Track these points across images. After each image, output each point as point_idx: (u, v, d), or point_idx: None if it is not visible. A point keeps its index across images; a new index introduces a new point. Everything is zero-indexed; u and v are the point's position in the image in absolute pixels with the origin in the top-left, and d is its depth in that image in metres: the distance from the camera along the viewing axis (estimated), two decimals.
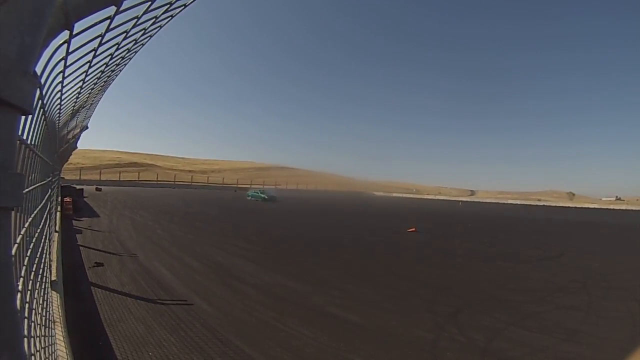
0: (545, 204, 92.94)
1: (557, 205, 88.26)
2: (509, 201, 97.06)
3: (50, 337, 3.39)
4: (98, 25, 2.14)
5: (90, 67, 3.09)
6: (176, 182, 59.72)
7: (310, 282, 8.71)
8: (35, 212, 3.24)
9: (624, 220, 36.29)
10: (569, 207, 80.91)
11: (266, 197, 42.74)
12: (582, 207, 78.16)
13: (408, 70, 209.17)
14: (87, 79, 3.66)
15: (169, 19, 3.67)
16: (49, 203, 5.73)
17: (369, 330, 5.88)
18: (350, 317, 6.37)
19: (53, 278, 5.55)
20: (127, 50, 3.88)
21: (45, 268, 4.25)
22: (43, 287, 3.55)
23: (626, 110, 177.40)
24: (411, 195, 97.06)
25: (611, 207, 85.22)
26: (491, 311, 7.11)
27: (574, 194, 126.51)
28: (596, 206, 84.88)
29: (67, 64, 2.31)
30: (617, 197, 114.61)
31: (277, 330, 5.67)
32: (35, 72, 1.58)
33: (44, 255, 3.86)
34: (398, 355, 5.02)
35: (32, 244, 2.86)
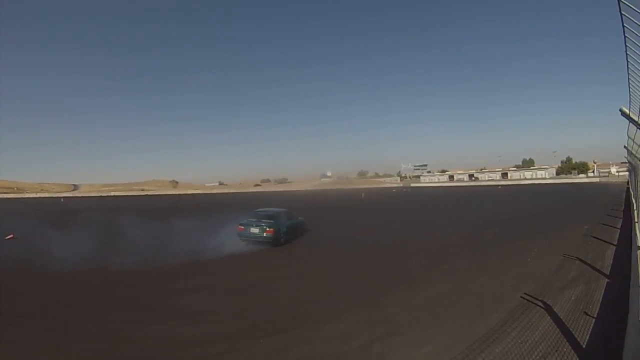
0: (148, 193, 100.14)
1: (162, 193, 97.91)
2: (113, 193, 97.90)
3: None
4: None
5: None
6: None
7: None
8: None
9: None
10: (173, 194, 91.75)
11: None
12: (185, 194, 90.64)
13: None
14: None
15: None
16: None
17: None
18: None
19: None
20: None
21: None
22: None
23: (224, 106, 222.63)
24: (12, 196, 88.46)
25: (215, 191, 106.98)
26: (118, 312, 6.33)
27: (177, 182, 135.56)
28: (199, 192, 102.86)
29: None
30: (220, 182, 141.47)
31: None
32: None
33: None
34: None
35: None
